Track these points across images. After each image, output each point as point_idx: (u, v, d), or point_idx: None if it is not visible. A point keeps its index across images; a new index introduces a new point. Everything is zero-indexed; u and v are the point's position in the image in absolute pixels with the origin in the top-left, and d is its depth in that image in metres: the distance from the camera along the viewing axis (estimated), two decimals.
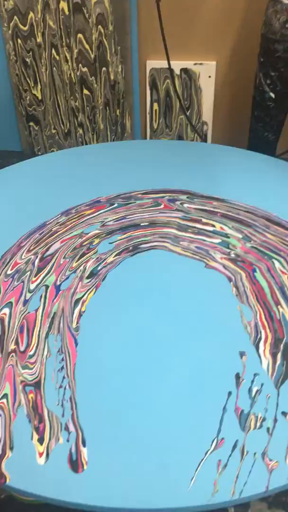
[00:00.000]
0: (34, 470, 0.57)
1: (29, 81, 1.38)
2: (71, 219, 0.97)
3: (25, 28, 1.30)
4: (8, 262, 0.87)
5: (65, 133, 1.46)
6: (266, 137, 1.20)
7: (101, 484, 0.56)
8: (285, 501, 0.70)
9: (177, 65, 1.32)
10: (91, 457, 0.58)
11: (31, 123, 1.46)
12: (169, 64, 1.29)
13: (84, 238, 0.92)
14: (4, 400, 0.65)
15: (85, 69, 1.34)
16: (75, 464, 0.58)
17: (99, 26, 1.28)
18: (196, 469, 0.57)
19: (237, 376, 0.67)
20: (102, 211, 0.99)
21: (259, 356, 0.69)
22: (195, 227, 0.94)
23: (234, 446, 0.59)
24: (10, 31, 1.31)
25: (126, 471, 0.57)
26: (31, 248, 0.90)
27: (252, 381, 0.66)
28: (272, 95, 1.12)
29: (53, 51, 1.33)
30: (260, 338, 0.72)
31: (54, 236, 0.93)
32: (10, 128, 1.50)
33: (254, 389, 0.65)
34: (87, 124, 1.44)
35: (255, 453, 0.58)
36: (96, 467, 0.57)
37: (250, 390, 0.65)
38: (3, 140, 1.52)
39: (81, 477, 0.57)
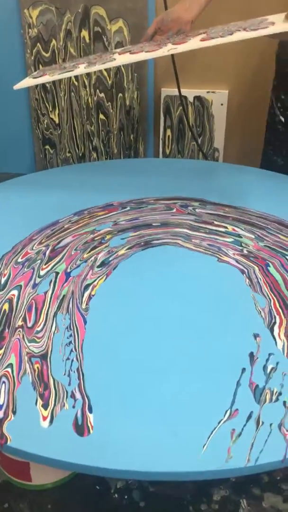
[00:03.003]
0: (37, 432, 0.54)
1: (47, 106, 1.44)
2: (84, 218, 0.98)
3: (47, 55, 1.38)
4: (19, 252, 0.87)
5: (79, 157, 1.50)
6: (275, 162, 1.22)
7: (108, 447, 0.53)
8: None
9: (190, 93, 1.38)
10: (97, 423, 0.55)
11: (47, 146, 1.50)
12: (179, 92, 1.35)
13: (96, 234, 0.92)
14: (9, 369, 0.62)
15: (102, 95, 1.40)
16: (80, 428, 0.55)
17: None
18: (209, 437, 0.53)
19: (251, 355, 0.64)
20: (114, 212, 1.00)
21: (274, 338, 0.67)
22: (207, 228, 0.94)
23: (249, 417, 0.56)
24: (32, 57, 1.38)
25: (134, 436, 0.54)
26: (43, 241, 0.90)
27: (267, 360, 0.64)
28: (282, 118, 1.15)
29: (73, 77, 1.40)
30: (275, 323, 0.70)
31: (66, 232, 0.93)
32: (26, 151, 1.54)
33: (269, 367, 0.63)
34: (101, 148, 1.48)
35: (271, 424, 0.55)
36: (103, 432, 0.54)
37: (265, 367, 0.63)
38: (18, 163, 1.56)
39: (86, 440, 0.53)
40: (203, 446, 0.53)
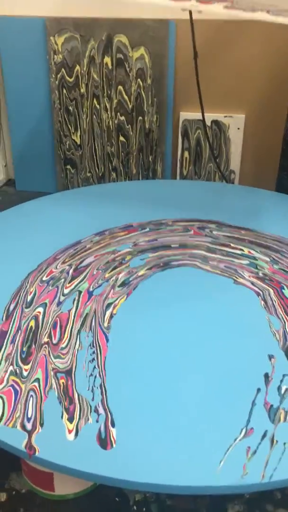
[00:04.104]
0: (63, 444, 0.58)
1: (70, 127, 1.50)
2: (105, 239, 1.02)
3: (71, 80, 1.43)
4: (44, 270, 0.91)
5: (99, 177, 1.55)
6: None
7: (129, 460, 0.56)
8: None
9: (208, 117, 1.42)
10: (120, 437, 0.58)
11: (68, 166, 1.55)
12: (203, 116, 1.39)
13: (116, 254, 0.96)
14: (36, 383, 0.66)
15: (122, 118, 1.45)
16: (104, 441, 0.58)
17: (139, 80, 1.41)
18: (225, 453, 0.56)
19: (266, 376, 0.67)
20: (134, 233, 1.04)
21: None
22: (224, 250, 0.97)
23: (264, 436, 0.59)
24: (57, 82, 1.44)
25: (155, 451, 0.57)
26: (66, 260, 0.94)
27: (281, 381, 0.66)
28: None
29: (95, 100, 1.45)
30: None
31: (88, 252, 0.97)
32: (48, 170, 1.59)
33: (283, 388, 0.65)
34: (120, 169, 1.53)
35: (284, 443, 0.58)
36: (125, 446, 0.57)
37: (279, 388, 0.65)
38: (41, 182, 1.62)
39: (109, 453, 0.56)
40: (220, 462, 0.55)
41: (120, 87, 1.42)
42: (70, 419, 0.61)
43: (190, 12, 1.25)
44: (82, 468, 0.55)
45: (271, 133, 1.36)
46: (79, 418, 0.61)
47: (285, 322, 0.77)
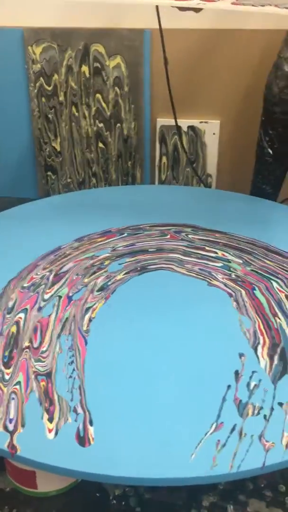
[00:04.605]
0: (43, 443, 0.61)
1: (49, 135, 1.52)
2: (84, 245, 1.05)
3: (49, 88, 1.46)
4: (25, 277, 0.94)
5: (79, 182, 1.58)
6: (264, 190, 1.30)
7: (107, 456, 0.59)
8: (283, 501, 0.71)
9: (184, 123, 1.46)
10: (97, 435, 0.62)
11: (49, 173, 1.58)
12: (176, 122, 1.43)
13: (95, 260, 0.99)
14: (18, 386, 0.69)
15: (101, 125, 1.48)
16: (82, 439, 0.61)
17: (116, 87, 1.44)
18: (196, 447, 0.60)
19: (236, 373, 0.71)
20: (112, 239, 1.07)
21: (257, 358, 0.74)
22: (198, 253, 1.01)
23: (233, 429, 0.62)
24: (35, 90, 1.46)
25: (130, 446, 0.60)
26: (46, 266, 0.97)
27: (251, 377, 0.70)
28: (270, 151, 1.23)
29: (73, 108, 1.48)
30: (259, 343, 0.77)
31: (67, 258, 1.00)
32: (29, 177, 1.62)
33: (252, 384, 0.69)
34: (100, 174, 1.56)
35: (252, 435, 0.62)
36: (102, 443, 0.61)
37: (248, 384, 0.69)
38: (22, 188, 1.64)
39: (87, 450, 0.60)
40: (191, 455, 0.59)
41: (98, 95, 1.45)
42: (50, 419, 0.64)
43: (159, 20, 1.29)
44: (62, 465, 0.59)
45: (246, 138, 1.40)
46: (59, 418, 0.64)
47: (255, 322, 0.81)
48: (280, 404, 0.66)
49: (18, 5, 1.44)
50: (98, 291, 0.90)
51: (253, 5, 0.88)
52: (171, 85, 1.41)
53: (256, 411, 0.65)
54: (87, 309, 0.85)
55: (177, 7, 0.95)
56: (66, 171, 1.57)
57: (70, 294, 0.89)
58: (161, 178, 1.55)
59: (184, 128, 1.47)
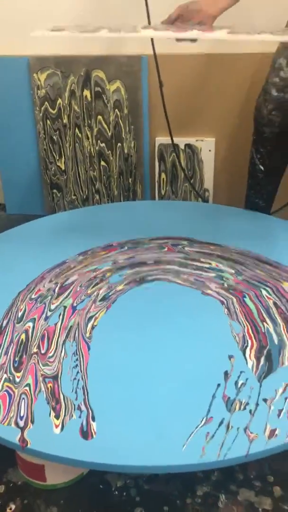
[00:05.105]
0: (51, 437, 0.68)
1: (54, 155, 1.61)
2: (87, 258, 1.13)
3: (54, 112, 1.55)
4: (33, 289, 1.02)
5: (83, 199, 1.66)
6: (257, 203, 1.37)
7: (107, 447, 0.66)
8: (271, 490, 0.77)
9: (182, 141, 1.54)
10: (99, 429, 0.69)
11: (54, 190, 1.66)
12: (172, 140, 1.51)
13: (98, 272, 1.07)
14: (27, 388, 0.76)
15: (103, 145, 1.57)
16: (85, 433, 0.68)
17: (116, 110, 1.52)
18: (187, 438, 0.67)
19: (226, 373, 0.78)
20: (114, 252, 1.15)
21: (245, 359, 0.81)
22: (194, 264, 1.08)
23: (221, 423, 0.69)
24: (41, 114, 1.56)
25: (129, 439, 0.67)
26: (52, 279, 1.05)
27: (239, 377, 0.77)
28: (262, 168, 1.31)
29: (77, 130, 1.56)
30: (247, 346, 0.84)
31: (72, 271, 1.08)
32: (36, 194, 1.71)
33: (240, 382, 0.76)
34: (103, 191, 1.64)
35: (238, 428, 0.68)
36: (104, 436, 0.68)
37: (236, 383, 0.76)
38: (29, 205, 1.73)
39: (90, 443, 0.67)
40: (183, 446, 0.66)
41: (99, 117, 1.54)
42: (57, 416, 0.71)
43: (153, 48, 1.37)
44: (67, 456, 0.66)
45: (240, 154, 1.48)
46: (65, 415, 0.71)
47: (244, 327, 0.88)
48: (265, 400, 0.73)
49: (24, 35, 1.54)
50: (100, 301, 0.97)
51: (248, 33, 0.93)
52: (168, 106, 1.49)
53: (242, 406, 0.72)
54: (90, 318, 0.92)
55: (175, 38, 1.02)
56: (71, 188, 1.65)
57: (75, 304, 0.96)
58: (161, 193, 1.63)
59: (182, 146, 1.55)
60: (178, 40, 1.02)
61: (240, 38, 0.92)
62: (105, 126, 1.55)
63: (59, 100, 1.54)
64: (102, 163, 1.60)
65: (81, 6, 1.47)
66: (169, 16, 1.03)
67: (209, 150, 1.55)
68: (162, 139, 1.56)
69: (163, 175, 1.61)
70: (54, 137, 1.59)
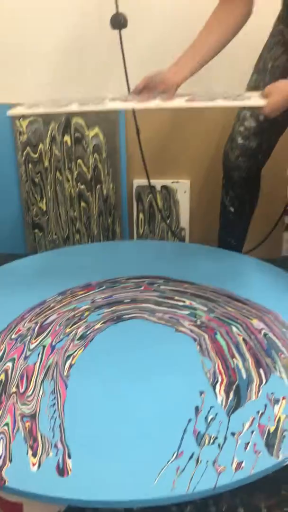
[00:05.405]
0: (28, 475, 0.71)
1: (36, 196, 1.67)
2: (67, 298, 1.17)
3: (35, 156, 1.62)
4: (13, 329, 1.05)
5: (64, 238, 1.71)
6: (229, 242, 1.44)
7: (82, 484, 0.69)
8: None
9: (158, 183, 1.62)
10: (75, 466, 0.72)
11: (36, 230, 1.72)
12: (149, 182, 1.59)
13: (76, 311, 1.11)
14: (6, 427, 0.79)
15: (83, 186, 1.64)
16: (61, 470, 0.71)
17: (95, 154, 1.60)
18: (159, 473, 0.70)
19: (196, 408, 0.82)
20: (92, 291, 1.19)
21: (215, 394, 0.85)
22: (168, 303, 1.13)
23: (191, 457, 0.73)
24: (23, 158, 1.62)
25: (102, 475, 0.70)
26: (32, 318, 1.09)
27: (208, 411, 0.81)
28: (232, 209, 1.38)
29: (57, 173, 1.63)
30: (217, 381, 0.88)
31: (51, 310, 1.12)
32: (18, 234, 1.76)
33: (210, 417, 0.80)
34: (83, 231, 1.70)
35: (207, 461, 0.72)
36: (78, 473, 0.71)
37: (206, 418, 0.80)
38: (11, 245, 1.78)
39: (66, 480, 0.70)
40: (155, 480, 0.69)
41: (79, 161, 1.61)
42: (34, 454, 0.74)
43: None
44: (44, 493, 0.68)
45: (214, 195, 1.55)
46: (42, 453, 0.74)
47: (215, 363, 0.93)
48: (233, 433, 0.76)
49: (6, 84, 1.62)
50: (78, 339, 1.01)
51: (204, 100, 1.01)
52: (145, 150, 1.58)
53: (212, 441, 0.75)
54: (68, 356, 0.96)
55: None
56: (52, 228, 1.71)
57: (53, 343, 1.00)
58: (139, 233, 1.70)
59: (158, 188, 1.63)
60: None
61: (196, 105, 1.01)
62: (85, 169, 1.62)
63: (41, 145, 1.61)
64: (82, 204, 1.67)
65: (63, 57, 1.56)
66: (136, 86, 1.12)
67: (184, 192, 1.63)
68: (140, 181, 1.63)
69: (141, 215, 1.68)
70: (35, 180, 1.66)
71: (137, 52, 1.48)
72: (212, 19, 1.13)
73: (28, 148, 1.61)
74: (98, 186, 1.64)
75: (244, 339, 0.99)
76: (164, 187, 1.63)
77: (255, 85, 1.22)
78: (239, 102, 1.06)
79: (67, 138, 1.59)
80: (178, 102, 1.04)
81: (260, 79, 1.22)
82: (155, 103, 1.04)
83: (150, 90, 1.10)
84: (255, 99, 1.04)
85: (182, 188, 1.62)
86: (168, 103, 1.04)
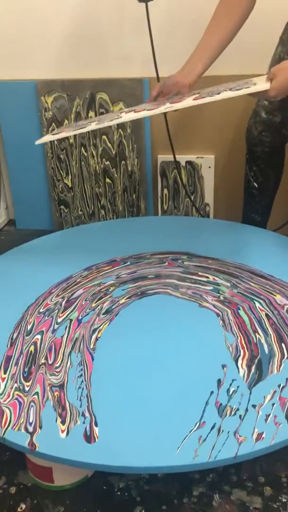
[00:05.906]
0: (57, 441, 0.75)
1: (61, 173, 1.69)
2: (92, 273, 1.20)
3: None
4: (41, 303, 1.09)
5: (90, 214, 1.74)
6: (253, 218, 1.43)
7: (108, 450, 0.72)
8: (262, 490, 0.83)
9: (183, 159, 1.61)
10: (101, 434, 0.75)
11: (62, 206, 1.74)
12: (174, 158, 1.58)
13: (102, 286, 1.14)
14: (36, 396, 0.83)
15: (107, 163, 1.65)
16: (89, 437, 0.75)
17: (120, 130, 1.60)
18: (182, 441, 0.73)
19: (219, 381, 0.84)
20: (117, 267, 1.22)
21: (237, 368, 0.87)
22: (192, 278, 1.15)
23: (213, 427, 0.75)
24: None
25: (128, 442, 0.74)
26: (59, 293, 1.12)
27: (230, 384, 0.83)
28: (256, 185, 1.37)
29: (82, 149, 1.64)
30: (239, 355, 0.90)
31: (78, 285, 1.15)
32: (44, 210, 1.79)
33: (231, 390, 0.82)
34: (108, 207, 1.71)
35: (228, 432, 0.74)
36: (105, 440, 0.74)
37: (228, 390, 0.82)
38: (38, 221, 1.81)
39: (93, 446, 0.73)
40: (177, 448, 0.72)
41: (104, 137, 1.62)
42: (63, 422, 0.78)
43: (156, 69, 1.45)
44: (72, 458, 0.72)
45: (238, 170, 1.54)
46: (70, 421, 0.78)
47: (238, 337, 0.94)
48: (254, 406, 0.79)
49: (32, 60, 1.63)
50: (104, 314, 1.04)
51: (210, 95, 1.02)
52: (170, 126, 1.57)
53: (233, 412, 0.78)
54: (94, 330, 0.99)
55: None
56: (78, 204, 1.73)
57: (80, 318, 1.03)
58: (164, 208, 1.70)
59: (183, 163, 1.62)
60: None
61: (202, 101, 1.02)
62: (110, 145, 1.63)
63: (66, 122, 1.62)
64: (107, 180, 1.68)
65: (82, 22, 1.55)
66: (151, 94, 1.17)
67: (209, 167, 1.62)
68: (164, 157, 1.63)
69: (165, 191, 1.68)
70: (61, 156, 1.67)
71: (163, 25, 1.46)
72: (219, 11, 1.12)
73: (53, 124, 1.63)
74: (123, 162, 1.65)
75: (267, 315, 1.00)
76: (188, 163, 1.62)
77: (279, 56, 1.20)
78: (245, 90, 1.05)
79: (91, 114, 1.59)
80: (187, 101, 1.05)
81: (285, 50, 1.20)
82: (165, 107, 1.06)
83: (165, 95, 1.14)
84: (260, 84, 1.02)
85: (207, 164, 1.62)
86: (177, 104, 1.06)
